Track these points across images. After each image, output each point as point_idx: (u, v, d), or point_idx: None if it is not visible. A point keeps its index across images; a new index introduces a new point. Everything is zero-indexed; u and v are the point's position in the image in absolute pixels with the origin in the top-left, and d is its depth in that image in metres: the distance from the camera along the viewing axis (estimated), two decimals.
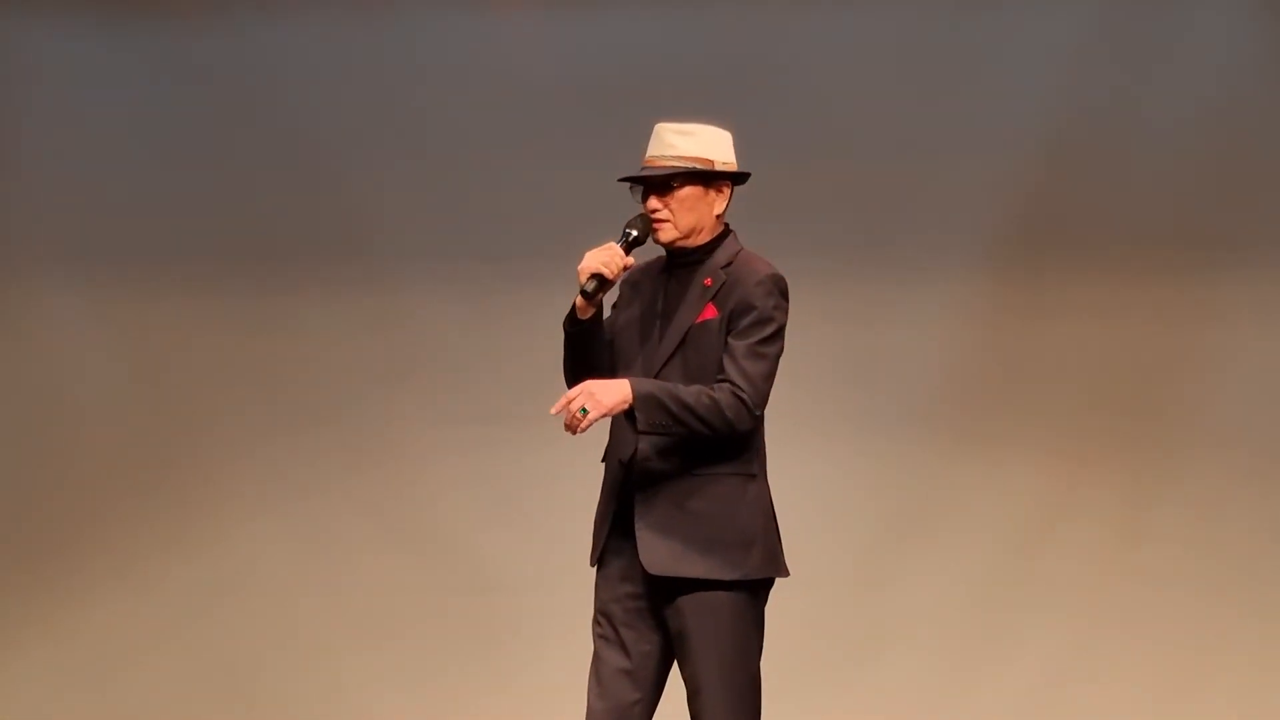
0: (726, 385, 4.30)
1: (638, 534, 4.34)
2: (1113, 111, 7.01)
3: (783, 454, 6.95)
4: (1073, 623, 6.98)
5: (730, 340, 4.35)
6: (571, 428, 4.26)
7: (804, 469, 7.01)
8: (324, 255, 7.25)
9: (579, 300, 4.36)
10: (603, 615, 4.44)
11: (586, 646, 4.55)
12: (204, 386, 7.28)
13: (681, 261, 4.46)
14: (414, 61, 7.23)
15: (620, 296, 4.55)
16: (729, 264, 4.41)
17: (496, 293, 7.12)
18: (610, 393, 4.25)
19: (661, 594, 4.37)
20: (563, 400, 4.26)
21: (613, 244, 4.36)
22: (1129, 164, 7.01)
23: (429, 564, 7.18)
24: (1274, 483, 6.97)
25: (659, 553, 4.32)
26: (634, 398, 4.25)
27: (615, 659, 4.41)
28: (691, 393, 4.28)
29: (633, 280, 4.54)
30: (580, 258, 4.41)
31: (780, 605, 6.98)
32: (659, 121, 4.46)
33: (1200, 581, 6.96)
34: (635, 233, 4.39)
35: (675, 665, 4.46)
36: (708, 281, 4.39)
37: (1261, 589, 6.95)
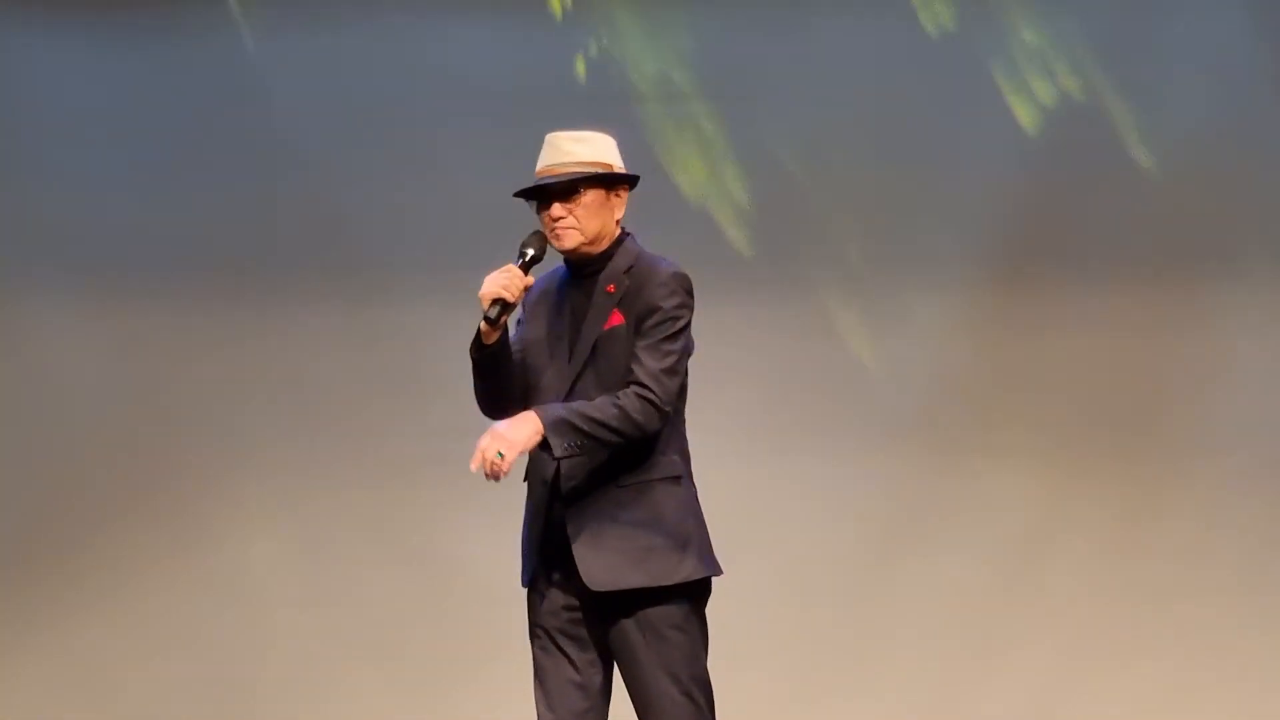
0: (632, 389, 4.29)
1: (575, 552, 4.32)
2: (1110, 121, 7.00)
3: (774, 464, 7.03)
4: (1069, 635, 6.96)
5: (637, 342, 4.33)
6: (494, 475, 4.24)
7: (796, 480, 6.99)
8: (320, 267, 7.23)
9: (483, 325, 4.35)
10: (541, 630, 4.42)
11: None
12: (201, 398, 7.26)
13: (584, 270, 4.43)
14: (410, 71, 7.21)
15: (525, 312, 4.52)
16: (630, 268, 4.39)
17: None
18: (520, 429, 4.23)
19: (600, 608, 4.37)
20: (477, 454, 4.24)
21: (511, 265, 4.36)
22: (1125, 175, 6.99)
23: (426, 575, 7.16)
24: (1270, 494, 6.95)
25: (597, 568, 4.31)
26: (544, 427, 4.24)
27: (562, 670, 4.40)
28: (598, 406, 4.27)
29: (534, 296, 4.50)
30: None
31: (771, 616, 7.02)
32: (552, 133, 4.45)
33: (1197, 594, 6.93)
34: (533, 251, 4.38)
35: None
36: (610, 288, 4.37)
37: (1259, 600, 6.93)
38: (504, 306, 4.33)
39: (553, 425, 4.23)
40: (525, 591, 4.49)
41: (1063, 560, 6.98)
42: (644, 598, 4.33)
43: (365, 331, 7.21)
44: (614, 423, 4.26)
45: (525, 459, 4.41)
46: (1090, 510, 6.99)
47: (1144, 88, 7.02)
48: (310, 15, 7.25)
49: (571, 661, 4.39)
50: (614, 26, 7.18)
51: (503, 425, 4.25)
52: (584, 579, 4.31)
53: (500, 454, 4.21)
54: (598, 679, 4.42)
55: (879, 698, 6.98)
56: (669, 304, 4.35)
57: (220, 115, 7.27)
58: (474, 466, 4.25)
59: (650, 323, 4.34)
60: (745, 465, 6.94)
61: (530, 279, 4.37)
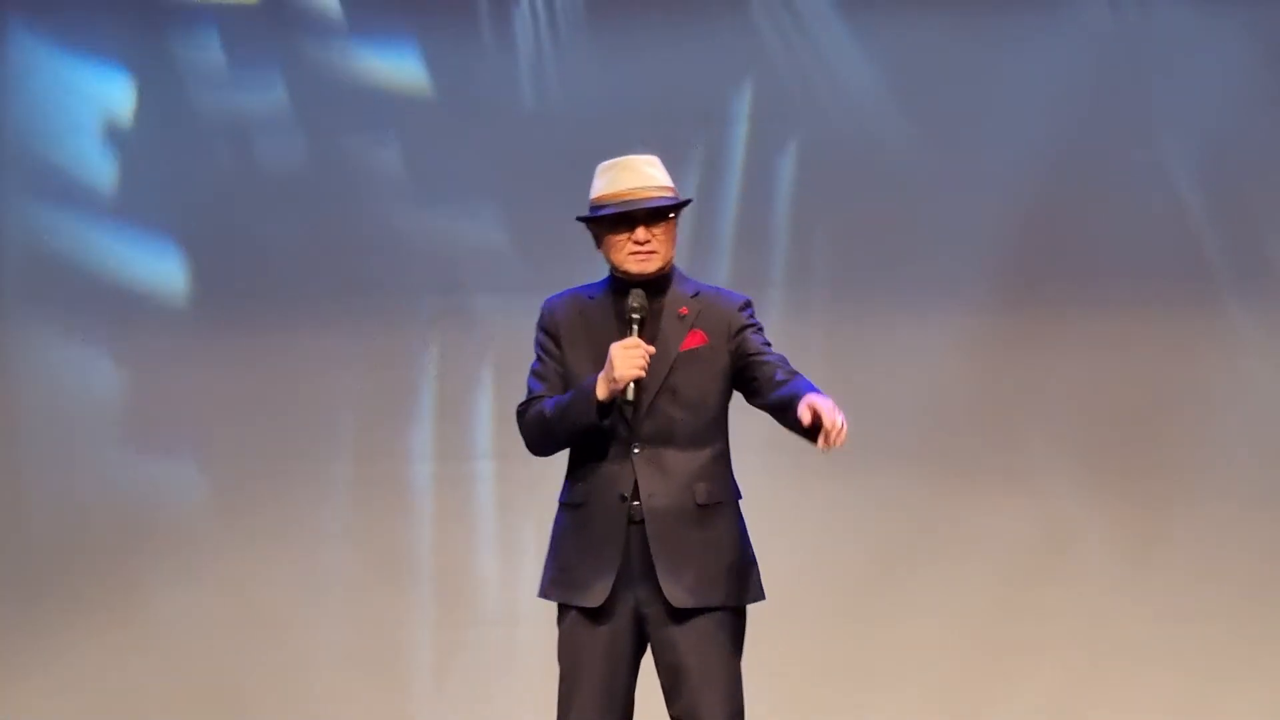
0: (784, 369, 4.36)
1: (659, 569, 4.31)
2: (1115, 141, 6.98)
3: (781, 487, 6.99)
4: (1077, 656, 6.91)
5: (751, 345, 4.36)
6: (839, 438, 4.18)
7: (803, 502, 6.97)
8: (320, 291, 7.20)
9: (606, 396, 4.30)
10: (583, 654, 4.38)
11: None
12: (200, 419, 7.25)
13: (646, 292, 4.44)
14: (413, 93, 7.20)
15: (565, 336, 4.47)
16: (697, 293, 4.43)
17: (493, 327, 7.05)
18: (830, 403, 4.17)
19: (649, 628, 4.37)
20: (837, 424, 4.12)
21: (634, 340, 4.30)
22: (1131, 194, 6.98)
23: (425, 597, 7.12)
24: (1279, 510, 6.95)
25: (681, 586, 4.31)
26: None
27: (592, 695, 4.37)
28: (782, 375, 4.32)
29: (574, 318, 4.47)
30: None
31: (780, 639, 6.97)
32: (633, 155, 4.44)
33: (1208, 611, 6.86)
34: (640, 315, 4.35)
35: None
36: (683, 310, 4.38)
37: (1269, 618, 6.88)
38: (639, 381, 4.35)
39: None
40: (530, 612, 4.47)
41: (1071, 579, 6.94)
42: (702, 615, 4.33)
43: (366, 353, 7.19)
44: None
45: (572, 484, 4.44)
46: (1098, 529, 6.96)
47: (1149, 108, 7.01)
48: (314, 37, 7.25)
49: (605, 686, 4.36)
50: (603, 46, 7.20)
51: (823, 403, 4.12)
52: (667, 596, 4.29)
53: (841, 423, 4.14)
54: (625, 703, 4.40)
55: (888, 716, 6.96)
56: (756, 320, 4.44)
57: (221, 138, 7.27)
58: (839, 439, 4.14)
59: (751, 331, 4.39)
60: (753, 486, 6.90)
61: (651, 347, 4.37)
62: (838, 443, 4.11)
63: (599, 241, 4.42)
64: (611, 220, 4.35)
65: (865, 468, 6.96)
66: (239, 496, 7.20)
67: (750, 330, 4.41)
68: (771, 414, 4.33)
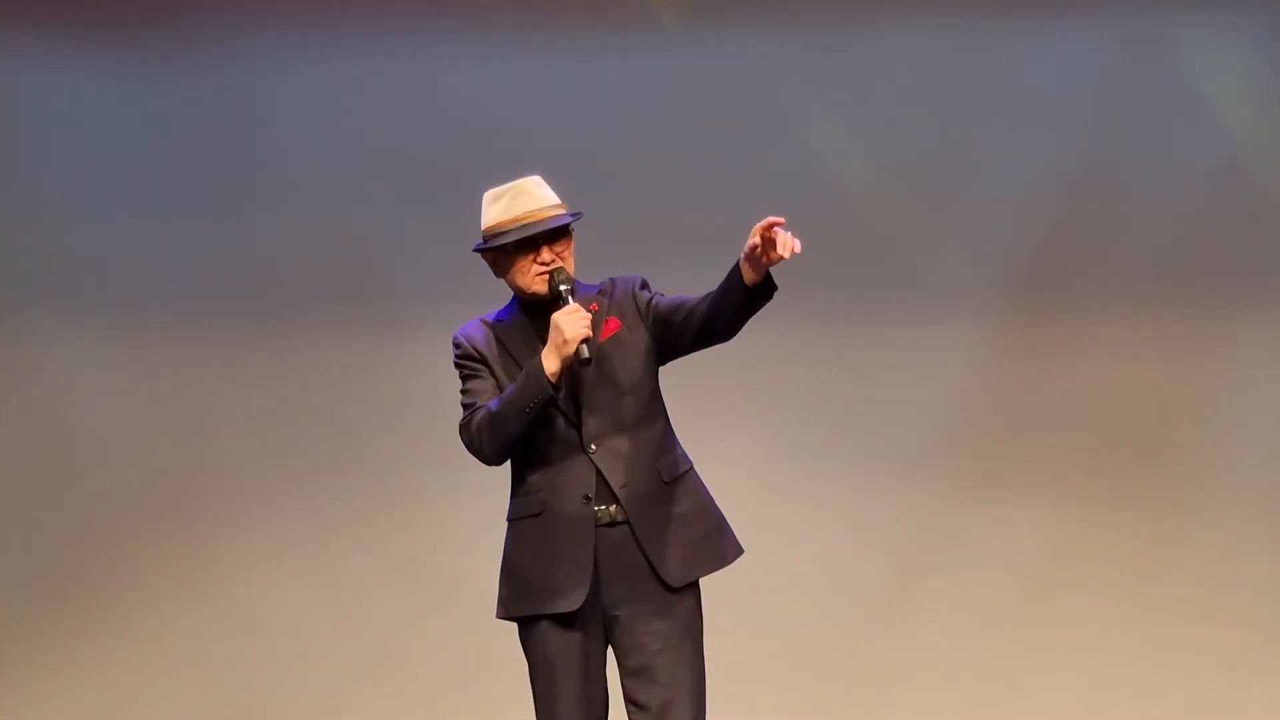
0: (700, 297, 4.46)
1: (651, 554, 4.49)
2: (1127, 151, 7.06)
3: (795, 498, 7.04)
4: (1089, 664, 7.05)
5: (657, 305, 4.56)
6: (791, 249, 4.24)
7: (816, 513, 7.01)
8: (340, 299, 7.35)
9: (557, 368, 4.44)
10: (559, 661, 4.52)
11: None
12: (219, 429, 7.40)
13: (553, 309, 4.55)
14: (424, 105, 7.29)
15: (489, 360, 4.64)
16: (600, 290, 4.61)
17: None
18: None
19: (615, 630, 4.48)
20: (781, 230, 4.25)
21: (576, 305, 4.47)
22: (1142, 204, 7.04)
23: (442, 605, 7.27)
24: None
25: (673, 564, 4.50)
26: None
27: (573, 702, 4.52)
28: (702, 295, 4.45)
29: (491, 342, 4.64)
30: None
31: (798, 646, 7.01)
32: (531, 177, 4.66)
33: (1221, 617, 7.06)
34: (568, 286, 4.54)
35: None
36: (594, 307, 4.56)
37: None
38: (588, 342, 4.47)
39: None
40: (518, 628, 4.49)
41: (1085, 585, 7.05)
42: (666, 592, 4.47)
43: (381, 363, 7.30)
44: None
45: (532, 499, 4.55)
46: (1112, 535, 7.06)
47: (1161, 119, 7.09)
48: (332, 49, 7.35)
49: (586, 691, 4.53)
50: (634, 53, 7.19)
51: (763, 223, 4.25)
52: (664, 576, 4.48)
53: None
54: (606, 699, 4.56)
55: None
56: (656, 291, 4.62)
57: (238, 148, 7.38)
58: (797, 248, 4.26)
59: (656, 297, 4.59)
60: (767, 494, 7.03)
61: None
62: (793, 245, 4.28)
63: (500, 269, 4.61)
64: (515, 245, 4.55)
65: (882, 476, 7.04)
66: (253, 506, 7.34)
67: (655, 297, 4.58)
68: (719, 313, 4.43)
